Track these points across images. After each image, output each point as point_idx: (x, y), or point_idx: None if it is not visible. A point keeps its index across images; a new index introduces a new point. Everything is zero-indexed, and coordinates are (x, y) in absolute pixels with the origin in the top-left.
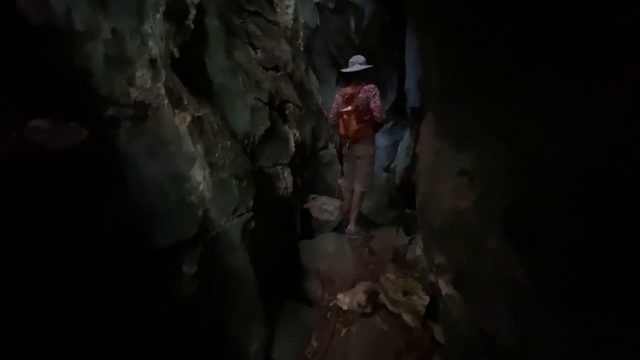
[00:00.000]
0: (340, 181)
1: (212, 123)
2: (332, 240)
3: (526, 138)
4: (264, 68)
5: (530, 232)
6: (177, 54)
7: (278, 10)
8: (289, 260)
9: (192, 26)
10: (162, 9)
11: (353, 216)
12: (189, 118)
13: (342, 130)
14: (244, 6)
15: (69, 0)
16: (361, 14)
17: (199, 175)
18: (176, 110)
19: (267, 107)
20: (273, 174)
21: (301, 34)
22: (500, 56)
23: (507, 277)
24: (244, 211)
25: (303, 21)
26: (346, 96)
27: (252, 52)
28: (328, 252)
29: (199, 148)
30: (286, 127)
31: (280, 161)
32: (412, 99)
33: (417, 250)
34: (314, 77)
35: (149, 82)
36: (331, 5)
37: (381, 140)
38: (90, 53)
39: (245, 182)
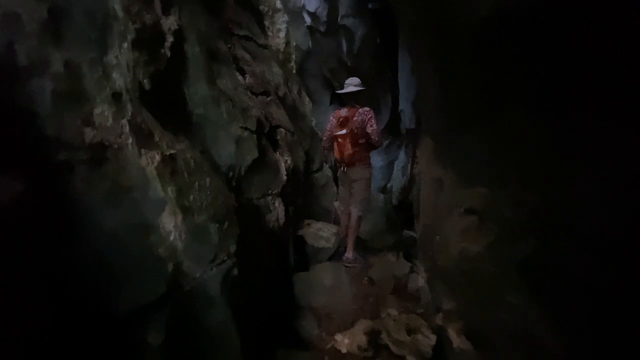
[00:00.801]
0: (336, 204)
1: (188, 160)
2: (328, 271)
3: (550, 177)
4: (254, 93)
5: (557, 287)
6: (147, 85)
7: (270, 33)
8: (281, 296)
9: (169, 54)
10: (130, 36)
11: (350, 242)
12: (158, 158)
13: (336, 154)
14: (234, 31)
15: (12, 33)
16: (353, 37)
17: (169, 222)
18: (143, 150)
19: (255, 136)
20: (262, 206)
21: (293, 56)
22: (523, 88)
23: (530, 339)
24: (225, 258)
25: (295, 44)
26: (340, 119)
27: (240, 77)
28: (324, 285)
29: (170, 191)
30: (277, 154)
31: (270, 191)
32: (407, 120)
33: (419, 280)
34: (307, 99)
35: (110, 119)
36: (322, 28)
37: (376, 160)
38: (34, 90)
39: (226, 223)
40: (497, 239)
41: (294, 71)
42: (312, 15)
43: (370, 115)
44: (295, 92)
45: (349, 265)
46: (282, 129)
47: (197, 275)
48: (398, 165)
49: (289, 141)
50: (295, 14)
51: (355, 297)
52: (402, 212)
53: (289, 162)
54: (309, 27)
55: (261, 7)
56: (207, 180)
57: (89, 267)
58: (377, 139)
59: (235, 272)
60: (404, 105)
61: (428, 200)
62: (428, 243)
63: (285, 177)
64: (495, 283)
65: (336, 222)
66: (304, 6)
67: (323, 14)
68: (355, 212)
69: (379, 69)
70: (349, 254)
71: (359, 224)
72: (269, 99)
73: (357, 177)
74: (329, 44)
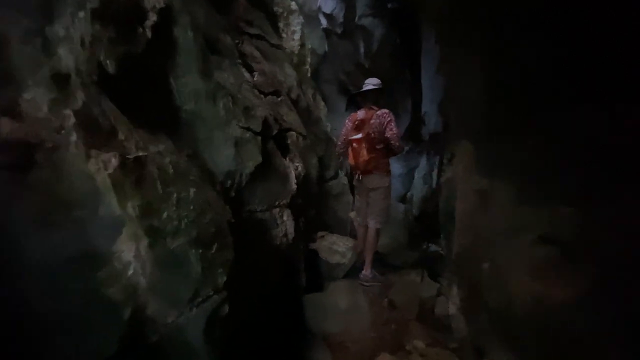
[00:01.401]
0: (352, 215)
1: (165, 166)
2: (343, 291)
3: None
4: (262, 92)
5: None
6: (112, 69)
7: (284, 35)
8: (289, 322)
9: (150, 35)
10: (90, 5)
11: (368, 258)
12: (114, 162)
13: (351, 160)
14: (244, 29)
15: None
16: (371, 37)
17: (128, 250)
18: (93, 151)
19: (259, 138)
20: (268, 220)
21: (308, 59)
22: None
23: None
24: (210, 293)
25: (310, 47)
26: (356, 122)
27: (247, 74)
28: (339, 309)
29: (131, 207)
30: (286, 160)
31: (277, 202)
32: (432, 124)
33: (450, 307)
34: (322, 104)
35: (45, 108)
36: (339, 30)
37: (396, 167)
38: None
39: (214, 247)
40: (597, 283)
41: (309, 74)
42: (329, 17)
43: (389, 118)
44: (310, 96)
45: (367, 284)
46: (293, 133)
47: (169, 321)
48: (419, 173)
49: (301, 146)
50: (310, 18)
51: (374, 324)
52: (424, 224)
53: (299, 169)
54: (325, 30)
55: (275, 9)
56: (192, 191)
57: (6, 319)
58: (397, 144)
59: (225, 310)
60: (428, 108)
61: (467, 215)
62: (467, 268)
63: (295, 186)
64: (592, 347)
65: (352, 234)
66: (319, 8)
67: (340, 15)
68: (372, 224)
69: (399, 71)
70: (367, 271)
71: (377, 238)
72: (279, 99)
73: (374, 185)
74: (345, 47)
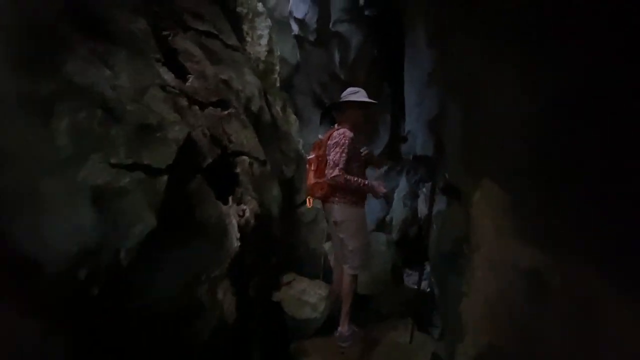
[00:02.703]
0: (327, 247)
1: None
2: (312, 357)
3: None
4: (196, 102)
5: None
6: None
7: (248, 39)
8: None
9: None
10: None
11: (345, 313)
12: None
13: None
14: (189, 22)
15: None
16: (347, 45)
17: None
18: None
19: (163, 179)
20: (183, 307)
21: (277, 67)
22: None
23: None
24: None
25: (279, 53)
26: (316, 142)
27: (170, 76)
28: None
29: None
30: (228, 204)
31: (205, 275)
32: (419, 145)
33: None
34: (293, 117)
35: None
36: (312, 37)
37: None
38: None
39: None
40: None
41: (278, 84)
42: (300, 22)
43: (341, 140)
44: (279, 109)
45: (344, 344)
46: (245, 158)
47: None
48: (399, 195)
49: (256, 174)
50: (281, 24)
51: None
52: (403, 249)
53: (248, 213)
54: (297, 37)
55: (239, 9)
56: None
57: None
58: (330, 171)
59: None
60: (413, 126)
61: (496, 299)
62: None
63: (237, 244)
64: None
65: (329, 271)
66: (291, 13)
67: (313, 21)
68: (346, 270)
69: (377, 84)
70: (344, 328)
71: (352, 287)
72: (227, 112)
73: (336, 218)
74: (319, 56)
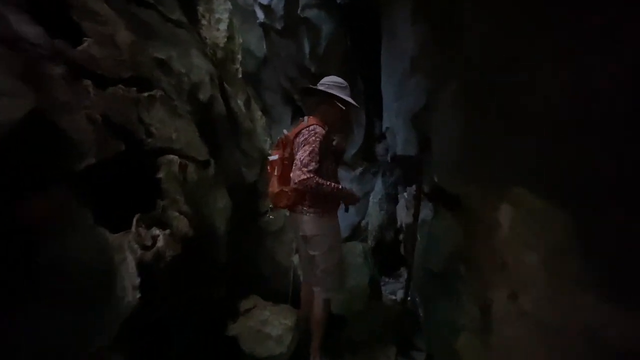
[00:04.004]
0: (295, 261)
1: None
2: None
3: None
4: (90, 75)
5: None
6: None
7: (204, 22)
8: None
9: None
10: None
11: (316, 344)
12: None
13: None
14: None
15: None
16: (317, 34)
17: None
18: None
19: None
20: None
21: (239, 56)
22: None
23: None
24: None
25: (241, 41)
26: (281, 138)
27: (37, 29)
28: None
29: None
30: (109, 234)
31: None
32: (400, 143)
33: None
34: (259, 113)
35: None
36: (279, 25)
37: None
38: None
39: None
40: None
41: (240, 75)
42: (266, 9)
43: (305, 137)
44: (241, 103)
45: None
46: (173, 158)
47: None
48: (374, 198)
49: (192, 180)
50: (246, 13)
51: None
52: (379, 256)
53: (163, 239)
54: (263, 25)
55: None
56: None
57: None
58: (297, 172)
59: None
60: (392, 122)
61: None
62: None
63: (134, 296)
64: None
65: (298, 287)
66: None
67: (279, 6)
68: (318, 293)
69: (350, 79)
70: None
71: (325, 315)
72: (146, 94)
73: (309, 232)
74: (287, 46)
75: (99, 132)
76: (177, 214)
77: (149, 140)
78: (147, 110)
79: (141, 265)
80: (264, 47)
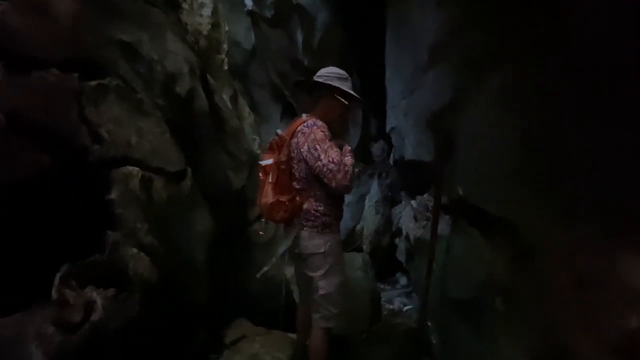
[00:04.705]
0: (289, 273)
1: None
2: None
3: None
4: (14, 53)
5: None
6: None
7: (185, 6)
8: None
9: None
10: None
11: None
12: None
13: (258, 201)
14: None
15: None
16: (311, 24)
17: None
18: None
19: None
20: None
21: (225, 46)
22: None
23: None
24: None
25: (227, 29)
26: (275, 139)
27: None
28: None
29: None
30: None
31: None
32: (410, 146)
33: None
34: (247, 110)
35: None
36: (269, 13)
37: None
38: None
39: None
40: None
41: (226, 67)
42: None
43: (313, 136)
44: (226, 98)
45: None
46: (133, 170)
47: None
48: (370, 201)
49: (160, 199)
50: (234, 3)
51: None
52: (375, 260)
53: (98, 301)
54: (252, 14)
55: None
56: None
57: None
58: (337, 178)
59: None
60: (400, 122)
61: None
62: None
63: None
64: None
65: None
66: None
67: None
68: (317, 322)
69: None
70: None
71: (324, 347)
72: (94, 84)
73: (306, 249)
74: (278, 37)
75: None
76: (135, 251)
77: (96, 147)
78: (95, 105)
79: (58, 355)
80: (252, 38)
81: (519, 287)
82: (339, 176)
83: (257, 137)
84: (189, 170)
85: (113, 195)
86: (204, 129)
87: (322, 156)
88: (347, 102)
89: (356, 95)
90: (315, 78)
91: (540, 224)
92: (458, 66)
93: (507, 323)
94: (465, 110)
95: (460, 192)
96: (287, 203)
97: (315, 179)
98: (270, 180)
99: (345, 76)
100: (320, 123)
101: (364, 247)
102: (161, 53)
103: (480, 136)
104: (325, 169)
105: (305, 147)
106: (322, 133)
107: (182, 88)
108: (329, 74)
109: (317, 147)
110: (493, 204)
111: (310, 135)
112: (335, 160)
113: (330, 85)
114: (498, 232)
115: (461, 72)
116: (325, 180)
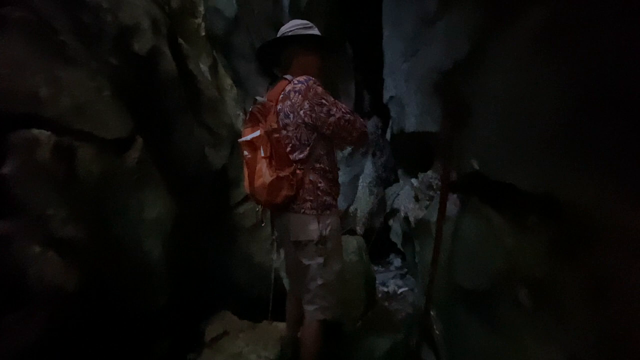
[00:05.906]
0: (276, 263)
1: None
2: None
3: None
4: None
5: None
6: None
7: None
8: None
9: None
10: None
11: None
12: None
13: (245, 183)
14: None
15: None
16: None
17: None
18: None
19: None
20: None
21: (201, 9)
22: None
23: None
24: None
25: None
26: (255, 109)
27: None
28: None
29: None
30: None
31: None
32: (412, 117)
33: None
34: (228, 82)
35: None
36: None
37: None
38: None
39: None
40: None
41: (203, 33)
42: None
43: (313, 91)
44: (205, 67)
45: None
46: (40, 133)
47: None
48: (364, 181)
49: (86, 178)
50: None
51: None
52: (369, 243)
53: None
54: None
55: None
56: None
57: None
58: (356, 127)
59: None
60: (400, 89)
61: None
62: None
63: None
64: None
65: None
66: None
67: None
68: (311, 314)
69: (338, 42)
70: None
71: (318, 342)
72: None
73: (298, 237)
74: (262, 2)
75: None
76: (38, 249)
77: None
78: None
79: None
80: (235, 5)
81: (558, 280)
82: (358, 125)
83: (241, 113)
84: (140, 139)
85: (6, 169)
86: (172, 96)
87: (334, 109)
88: (319, 53)
89: (328, 39)
90: (297, 31)
91: (601, 203)
92: (479, 7)
93: (536, 320)
94: (487, 65)
95: (476, 166)
96: (290, 176)
97: (318, 144)
98: (262, 155)
99: (309, 25)
100: (306, 79)
101: (357, 229)
102: (113, 1)
103: (509, 95)
104: (342, 122)
105: (307, 106)
106: (320, 87)
107: (142, 46)
108: (291, 27)
109: (323, 101)
110: (527, 178)
111: (309, 91)
112: (349, 110)
113: (300, 35)
114: (532, 212)
115: (483, 16)
116: (343, 134)
